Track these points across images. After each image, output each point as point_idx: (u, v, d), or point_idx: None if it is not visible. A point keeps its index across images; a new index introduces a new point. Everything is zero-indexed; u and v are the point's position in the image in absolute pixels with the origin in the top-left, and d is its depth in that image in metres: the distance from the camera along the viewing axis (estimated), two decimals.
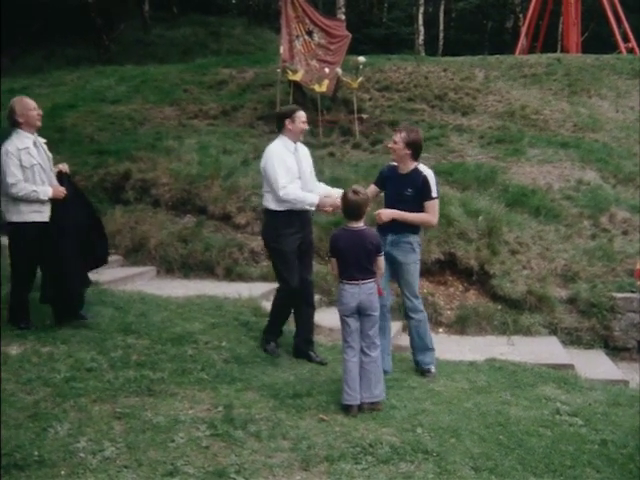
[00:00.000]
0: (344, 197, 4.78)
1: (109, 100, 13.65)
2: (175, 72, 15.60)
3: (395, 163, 5.67)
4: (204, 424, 4.11)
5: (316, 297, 7.14)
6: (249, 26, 28.00)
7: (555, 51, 21.50)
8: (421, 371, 5.66)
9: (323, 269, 7.82)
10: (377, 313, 4.82)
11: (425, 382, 5.42)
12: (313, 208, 5.55)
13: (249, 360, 5.44)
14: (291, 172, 5.52)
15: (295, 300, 5.75)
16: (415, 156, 5.52)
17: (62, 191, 5.48)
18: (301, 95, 12.99)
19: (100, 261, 6.03)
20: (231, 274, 8.11)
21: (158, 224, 8.76)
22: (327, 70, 12.55)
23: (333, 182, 9.30)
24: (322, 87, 12.31)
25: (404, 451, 4.00)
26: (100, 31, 21.17)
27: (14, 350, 5.02)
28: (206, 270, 8.22)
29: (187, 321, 6.11)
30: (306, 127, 5.68)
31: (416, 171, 5.51)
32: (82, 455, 3.60)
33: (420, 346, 5.71)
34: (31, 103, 5.52)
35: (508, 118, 12.76)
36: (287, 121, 5.58)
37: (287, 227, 5.55)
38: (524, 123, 12.58)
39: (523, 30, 22.81)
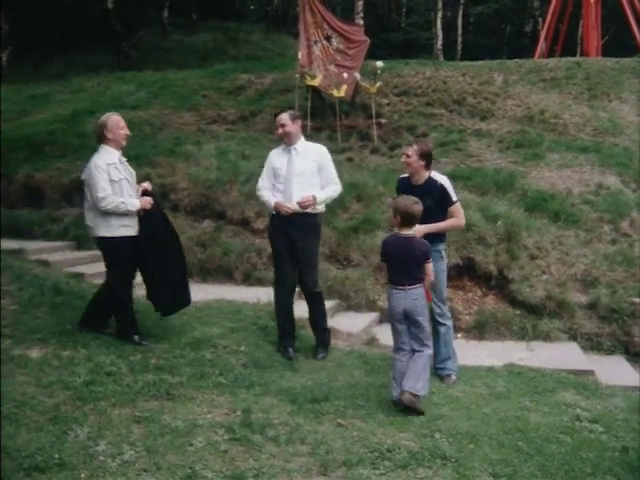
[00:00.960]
0: (407, 206, 4.86)
1: (129, 106, 13.75)
2: (194, 78, 15.71)
3: (406, 175, 5.74)
4: (222, 428, 4.12)
5: (334, 302, 7.16)
6: (267, 32, 28.18)
7: (575, 55, 21.34)
8: (441, 376, 5.64)
9: (341, 274, 7.83)
10: (423, 318, 4.96)
11: (443, 387, 5.41)
12: (274, 212, 5.79)
13: (267, 365, 5.46)
14: (276, 174, 5.80)
15: (285, 298, 5.91)
16: (428, 166, 5.58)
17: (149, 201, 5.57)
18: (319, 100, 13.03)
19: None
20: (249, 279, 8.13)
21: (177, 229, 8.70)
22: (345, 75, 12.56)
23: (351, 187, 9.38)
24: (340, 92, 12.32)
25: (422, 456, 3.99)
26: (120, 38, 21.41)
27: (35, 353, 5.07)
28: (224, 275, 8.25)
29: (206, 325, 6.14)
30: (280, 131, 5.79)
31: (431, 180, 5.56)
32: (102, 458, 3.62)
33: (445, 353, 5.70)
34: (122, 122, 5.64)
35: (527, 122, 12.69)
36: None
37: (273, 227, 5.93)
38: (543, 127, 12.50)
39: (542, 34, 22.69)
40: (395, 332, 4.98)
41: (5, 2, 20.09)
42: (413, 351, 4.91)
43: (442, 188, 5.50)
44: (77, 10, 21.59)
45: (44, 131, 11.96)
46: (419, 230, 5.34)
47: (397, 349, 4.98)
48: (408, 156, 5.53)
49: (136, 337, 5.59)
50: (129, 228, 5.51)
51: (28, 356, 4.99)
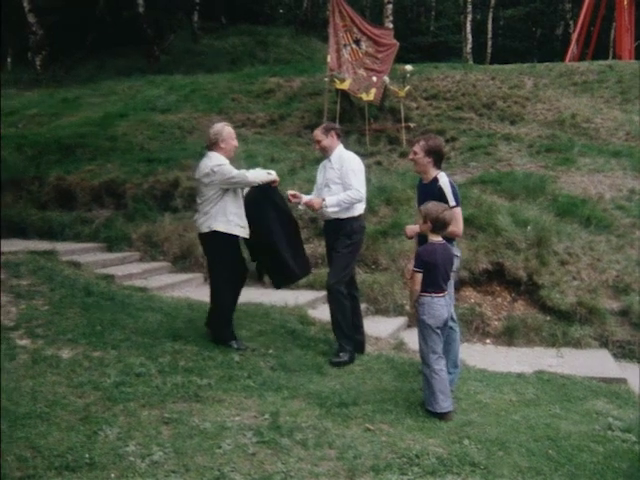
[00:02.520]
0: (438, 212, 4.83)
1: (159, 109, 13.89)
2: (223, 81, 15.81)
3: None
4: (251, 431, 4.13)
5: (362, 306, 7.13)
6: (296, 35, 28.24)
7: (607, 58, 21.09)
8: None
9: (369, 278, 7.81)
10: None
11: (472, 394, 5.36)
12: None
13: (295, 368, 5.46)
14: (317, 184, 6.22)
15: None
16: (437, 164, 5.31)
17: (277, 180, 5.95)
18: (348, 104, 13.03)
19: (302, 272, 6.25)
20: None
21: None
22: (374, 79, 12.55)
23: (380, 191, 9.36)
24: (369, 96, 12.32)
25: (451, 463, 3.95)
26: (151, 42, 21.61)
27: (66, 354, 5.13)
28: (253, 277, 8.24)
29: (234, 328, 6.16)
30: (316, 147, 6.17)
31: (435, 180, 5.26)
32: (131, 459, 3.65)
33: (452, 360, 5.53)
34: (234, 134, 5.96)
35: (558, 127, 12.56)
36: None
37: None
38: (574, 132, 12.36)
39: (574, 37, 22.47)
40: (438, 340, 4.85)
41: (39, 7, 20.42)
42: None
43: (440, 190, 5.17)
44: (109, 14, 21.84)
45: (75, 134, 12.12)
46: (410, 229, 5.31)
47: (439, 358, 4.84)
48: (415, 153, 5.30)
49: (234, 343, 5.68)
50: (243, 230, 5.69)
51: (59, 356, 5.06)
